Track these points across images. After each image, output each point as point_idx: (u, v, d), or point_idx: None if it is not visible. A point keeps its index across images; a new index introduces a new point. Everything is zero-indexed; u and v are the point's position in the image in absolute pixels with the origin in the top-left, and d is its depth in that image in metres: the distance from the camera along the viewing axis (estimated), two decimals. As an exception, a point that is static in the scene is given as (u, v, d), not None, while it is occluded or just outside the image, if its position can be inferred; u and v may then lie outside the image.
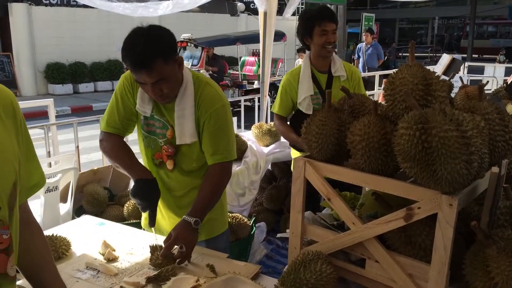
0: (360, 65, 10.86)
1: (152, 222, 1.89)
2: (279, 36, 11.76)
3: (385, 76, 8.32)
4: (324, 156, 1.51)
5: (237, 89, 12.57)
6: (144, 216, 2.21)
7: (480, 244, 1.29)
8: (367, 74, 9.43)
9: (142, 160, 2.10)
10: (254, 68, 12.84)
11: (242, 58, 13.43)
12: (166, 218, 2.13)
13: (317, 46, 2.81)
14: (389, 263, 1.39)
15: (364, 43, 10.91)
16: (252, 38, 12.04)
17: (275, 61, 12.88)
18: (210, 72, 11.64)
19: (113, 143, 2.00)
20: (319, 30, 2.77)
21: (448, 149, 1.19)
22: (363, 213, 1.60)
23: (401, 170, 1.41)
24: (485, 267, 1.25)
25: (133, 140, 2.12)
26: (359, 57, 11.03)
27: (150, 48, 1.69)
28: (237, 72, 13.09)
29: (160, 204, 2.08)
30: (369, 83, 9.41)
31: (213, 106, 1.92)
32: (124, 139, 2.07)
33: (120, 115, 1.98)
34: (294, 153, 3.01)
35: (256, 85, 11.99)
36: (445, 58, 3.79)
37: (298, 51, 11.43)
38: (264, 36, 4.90)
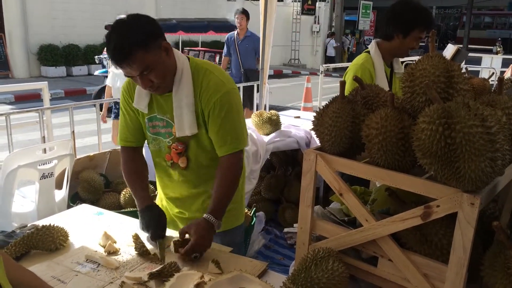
0: (233, 65, 6.97)
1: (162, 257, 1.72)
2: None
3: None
4: (337, 149, 1.45)
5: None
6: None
7: (501, 245, 1.24)
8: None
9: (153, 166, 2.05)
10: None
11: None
12: (187, 216, 2.05)
13: (404, 47, 2.74)
14: (404, 263, 1.34)
15: (236, 31, 6.86)
16: (225, 26, 10.52)
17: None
18: None
19: (128, 166, 1.98)
20: (417, 35, 2.70)
21: (472, 146, 1.13)
22: (375, 209, 1.54)
23: (416, 166, 1.36)
24: (506, 269, 1.20)
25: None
26: (229, 54, 7.00)
27: (127, 40, 1.62)
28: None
29: (179, 204, 2.05)
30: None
31: (216, 95, 1.80)
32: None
33: (129, 127, 1.97)
34: None
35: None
36: (450, 48, 3.68)
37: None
38: (264, 23, 4.80)
